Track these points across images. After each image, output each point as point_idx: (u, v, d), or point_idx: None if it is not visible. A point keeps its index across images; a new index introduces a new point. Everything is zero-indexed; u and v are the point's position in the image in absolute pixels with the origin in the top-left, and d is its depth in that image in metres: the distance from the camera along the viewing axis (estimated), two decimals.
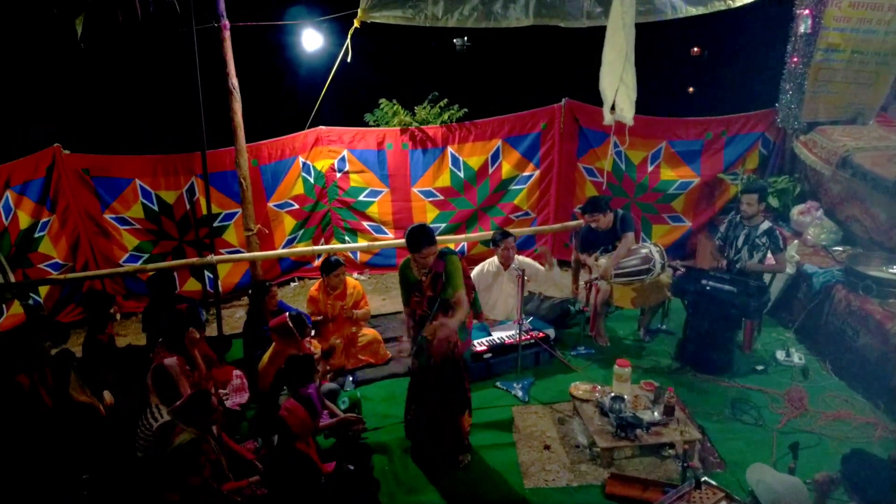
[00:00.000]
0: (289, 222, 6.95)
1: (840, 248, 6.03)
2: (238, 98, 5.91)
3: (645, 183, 7.03)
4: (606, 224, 5.66)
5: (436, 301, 4.07)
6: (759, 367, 5.31)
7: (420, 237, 3.96)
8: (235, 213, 6.58)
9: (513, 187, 7.17)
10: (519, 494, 4.11)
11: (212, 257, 5.95)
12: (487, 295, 5.79)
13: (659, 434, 4.33)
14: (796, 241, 6.18)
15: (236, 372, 5.12)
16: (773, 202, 6.57)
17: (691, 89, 13.26)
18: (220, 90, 5.82)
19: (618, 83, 4.84)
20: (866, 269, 5.33)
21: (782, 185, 6.65)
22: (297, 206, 6.94)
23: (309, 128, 6.75)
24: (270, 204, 6.75)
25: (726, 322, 5.21)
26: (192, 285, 6.71)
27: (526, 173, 7.12)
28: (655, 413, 4.45)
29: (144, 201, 6.38)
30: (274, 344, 4.73)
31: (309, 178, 6.92)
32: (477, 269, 5.76)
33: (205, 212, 6.15)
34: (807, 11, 6.36)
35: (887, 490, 2.78)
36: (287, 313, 4.79)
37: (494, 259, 5.68)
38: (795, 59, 6.56)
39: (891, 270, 5.34)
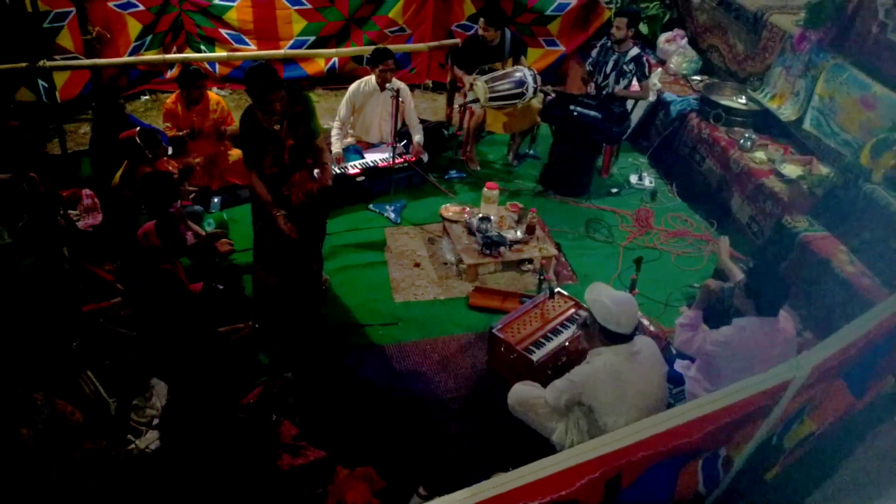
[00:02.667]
0: (133, 26, 6.13)
1: (699, 78, 6.32)
2: None
3: (524, 1, 6.81)
4: (493, 38, 5.51)
5: (299, 150, 3.66)
6: (614, 190, 5.70)
7: (265, 81, 3.46)
8: (69, 13, 5.68)
9: None
10: (388, 308, 4.33)
11: (44, 62, 5.20)
12: (361, 115, 5.60)
13: (520, 251, 4.63)
14: (660, 69, 6.39)
15: (86, 192, 4.73)
16: (643, 29, 6.66)
17: None
18: None
19: None
20: (718, 99, 5.67)
21: (653, 10, 6.71)
22: (142, 8, 6.10)
23: None
24: (110, 3, 5.88)
25: (588, 147, 5.45)
26: (23, 95, 5.90)
27: None
28: (518, 232, 4.71)
29: None
30: (126, 162, 4.38)
31: None
32: (353, 86, 5.48)
33: (29, 8, 5.25)
34: None
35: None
36: (137, 128, 4.39)
37: (371, 78, 5.41)
38: None
39: (739, 100, 5.72)
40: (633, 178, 5.84)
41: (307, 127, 3.70)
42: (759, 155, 5.14)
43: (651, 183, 5.80)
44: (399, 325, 4.19)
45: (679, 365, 3.48)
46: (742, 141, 5.24)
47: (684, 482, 2.08)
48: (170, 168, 4.65)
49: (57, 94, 5.71)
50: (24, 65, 5.23)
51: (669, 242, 5.12)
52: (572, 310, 3.93)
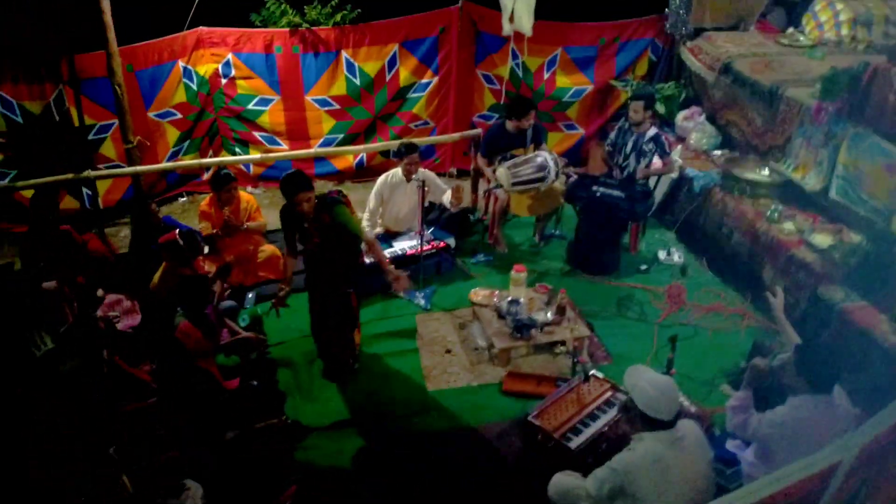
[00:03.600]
0: (172, 133, 6.50)
1: (720, 152, 6.39)
2: None
3: (542, 90, 7.07)
4: (514, 129, 5.72)
5: (324, 249, 4.12)
6: (643, 267, 5.68)
7: (292, 183, 3.93)
8: (112, 125, 6.07)
9: (411, 95, 7.01)
10: (421, 396, 4.30)
11: (88, 172, 5.51)
12: (390, 206, 5.76)
13: (551, 333, 4.60)
14: (680, 146, 6.49)
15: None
16: (660, 108, 6.81)
17: None
18: None
19: None
20: (741, 173, 5.71)
21: (669, 91, 6.89)
22: (180, 116, 6.49)
23: (188, 29, 6.22)
24: (150, 113, 6.27)
25: (614, 225, 5.49)
26: (69, 203, 6.22)
27: (424, 80, 6.96)
28: (549, 314, 4.69)
29: (5, 112, 5.74)
30: (164, 263, 4.54)
31: (191, 84, 6.44)
32: (381, 179, 5.69)
33: (77, 123, 5.63)
34: None
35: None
36: (177, 230, 4.58)
37: (398, 170, 5.61)
38: None
39: (763, 173, 5.74)
40: (662, 254, 5.83)
41: (343, 234, 4.08)
42: (788, 226, 5.10)
43: (680, 258, 5.77)
44: (432, 413, 4.14)
45: (731, 445, 3.35)
46: (769, 213, 5.23)
47: None
48: (206, 268, 4.80)
49: (99, 200, 6.01)
50: (70, 176, 5.55)
51: (704, 318, 5.03)
52: (609, 393, 3.85)
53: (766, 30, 7.18)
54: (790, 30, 7.10)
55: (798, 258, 4.80)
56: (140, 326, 4.71)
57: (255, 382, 4.06)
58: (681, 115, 6.74)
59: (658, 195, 6.12)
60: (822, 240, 4.83)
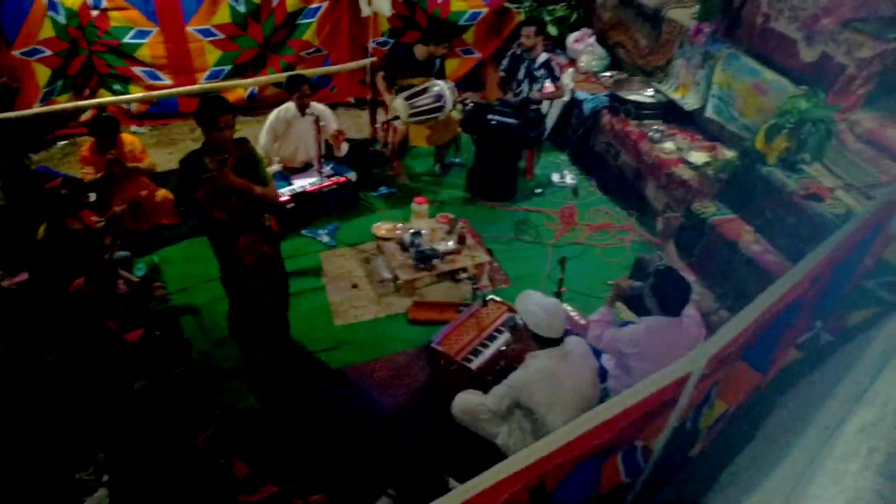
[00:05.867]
0: (42, 72, 5.99)
1: (609, 74, 6.60)
2: None
3: (437, 14, 6.96)
4: (424, 55, 5.69)
5: (246, 196, 3.54)
6: (538, 190, 5.91)
7: (217, 103, 3.45)
8: None
9: (301, 21, 6.73)
10: (330, 331, 4.42)
11: None
12: (284, 142, 5.64)
13: (453, 261, 4.78)
14: (571, 69, 6.64)
15: None
16: (553, 31, 6.89)
17: None
18: None
19: None
20: (627, 94, 5.95)
21: (560, 12, 6.96)
22: (49, 53, 5.97)
23: None
24: (15, 52, 5.75)
25: (509, 152, 5.66)
26: None
27: (314, 5, 6.67)
28: (450, 243, 4.86)
29: None
30: (49, 215, 4.32)
31: (58, 17, 5.90)
32: (273, 115, 5.52)
33: None
34: None
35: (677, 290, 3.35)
36: (59, 179, 4.35)
37: (291, 105, 5.46)
38: None
39: (647, 94, 6.01)
40: (556, 177, 6.07)
41: (255, 173, 3.62)
42: (668, 145, 5.43)
43: (573, 180, 6.04)
44: (341, 348, 4.28)
45: (604, 359, 3.69)
46: (651, 133, 5.53)
47: (607, 476, 2.27)
48: (94, 219, 4.61)
49: None
50: None
51: (594, 236, 5.36)
52: (506, 315, 4.10)
53: None
54: None
55: (677, 175, 5.14)
56: (27, 283, 4.51)
57: (158, 332, 4.04)
58: (571, 38, 6.85)
59: (551, 119, 6.30)
60: (699, 157, 5.19)
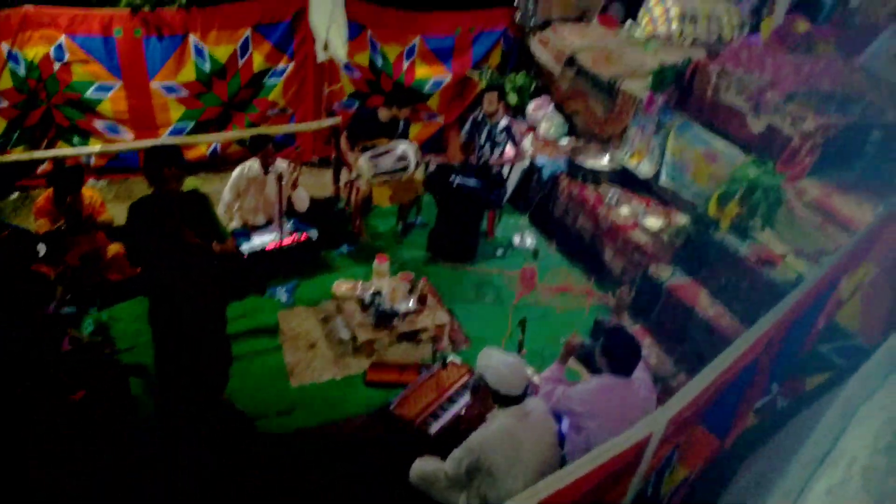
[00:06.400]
0: None
1: (567, 140, 6.80)
2: None
3: (401, 80, 7.13)
4: (388, 117, 5.78)
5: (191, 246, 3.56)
6: (499, 252, 5.97)
7: (166, 153, 3.50)
8: None
9: (267, 81, 6.81)
10: (284, 395, 4.29)
11: None
12: (248, 198, 5.61)
13: (413, 322, 4.74)
14: (531, 135, 6.83)
15: None
16: (513, 98, 7.11)
17: None
18: None
19: (329, 21, 4.52)
20: (584, 161, 6.13)
21: (520, 81, 7.19)
22: (6, 104, 5.89)
23: (10, 7, 5.63)
24: None
25: (470, 213, 5.73)
26: None
27: (280, 66, 6.78)
28: (411, 303, 4.82)
29: None
30: None
31: (18, 69, 5.85)
32: (236, 171, 5.50)
33: None
34: None
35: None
36: (7, 230, 4.21)
37: (254, 162, 5.46)
38: None
39: (603, 161, 6.20)
40: (517, 239, 6.15)
41: (212, 229, 3.66)
42: (624, 210, 5.57)
43: (532, 242, 6.12)
44: (296, 411, 4.15)
45: (564, 424, 3.65)
46: (608, 198, 5.68)
47: None
48: (45, 271, 4.45)
49: None
50: None
51: (554, 298, 5.39)
52: (466, 377, 4.05)
53: (607, 23, 7.66)
54: (628, 23, 7.64)
55: (633, 240, 5.26)
56: None
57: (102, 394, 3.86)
58: (531, 105, 7.08)
59: (511, 182, 6.43)
60: (654, 223, 5.33)
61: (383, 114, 5.78)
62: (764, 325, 2.40)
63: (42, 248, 4.98)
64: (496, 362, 3.11)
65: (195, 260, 3.60)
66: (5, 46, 5.71)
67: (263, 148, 5.28)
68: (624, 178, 5.95)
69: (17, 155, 5.99)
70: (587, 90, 6.64)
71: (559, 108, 7.05)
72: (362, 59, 6.94)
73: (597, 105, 6.56)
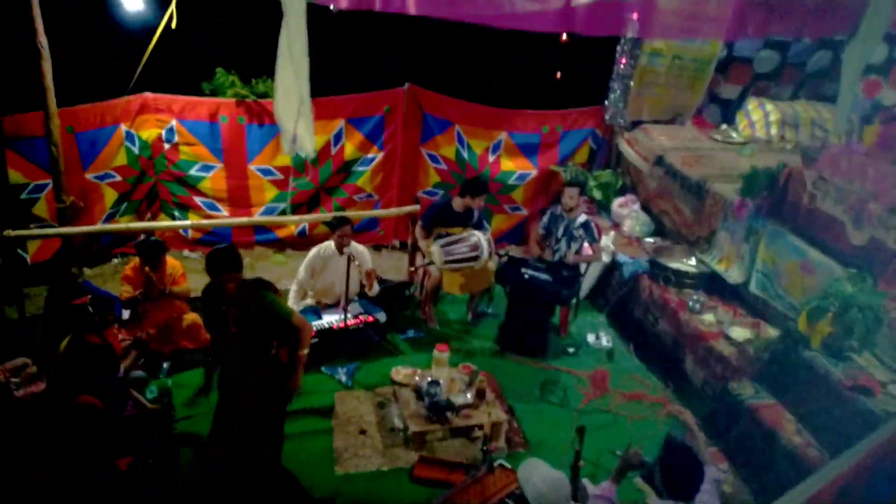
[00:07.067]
0: (110, 194, 6.45)
1: (652, 240, 6.55)
2: (48, 58, 5.34)
3: (486, 173, 7.22)
4: (462, 206, 5.81)
5: (240, 340, 3.74)
6: (571, 350, 5.69)
7: (218, 262, 3.68)
8: (47, 185, 5.99)
9: (356, 169, 7.10)
10: (328, 481, 4.15)
11: (9, 231, 5.39)
12: (322, 278, 5.74)
13: (469, 417, 4.53)
14: (613, 232, 6.64)
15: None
16: (597, 194, 7.00)
17: (559, 74, 13.05)
18: (27, 50, 5.24)
19: (296, 115, 4.53)
20: (668, 261, 5.84)
21: (606, 178, 7.10)
22: (119, 178, 6.45)
23: (132, 94, 6.27)
24: (88, 175, 6.22)
25: (541, 308, 5.53)
26: None
27: (370, 155, 7.07)
28: (468, 396, 4.63)
29: None
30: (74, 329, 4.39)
31: (133, 148, 6.44)
32: (313, 251, 5.68)
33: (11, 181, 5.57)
34: (635, 16, 6.75)
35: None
36: (89, 296, 4.46)
37: (331, 243, 5.62)
38: (623, 61, 6.98)
39: (689, 262, 5.89)
40: (591, 338, 5.86)
41: (268, 324, 3.79)
42: (709, 317, 5.20)
43: (609, 342, 5.81)
44: (337, 500, 3.99)
45: None
46: (692, 303, 5.33)
47: None
48: (121, 337, 4.66)
49: (28, 259, 5.88)
50: None
51: (625, 406, 5.02)
52: (513, 485, 3.77)
53: (701, 125, 7.51)
54: (724, 126, 7.45)
55: (716, 350, 4.86)
56: (42, 394, 4.50)
57: (151, 461, 3.88)
58: (616, 202, 6.93)
59: (590, 279, 6.21)
60: (740, 333, 4.92)
61: (457, 203, 5.82)
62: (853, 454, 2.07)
63: (126, 313, 5.28)
64: (537, 478, 2.88)
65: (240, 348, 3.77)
66: (124, 128, 6.31)
67: (341, 228, 5.41)
68: (709, 283, 5.60)
69: (115, 225, 6.46)
70: (675, 190, 6.43)
71: (645, 207, 6.85)
72: (449, 151, 7.13)
73: (684, 206, 6.32)
